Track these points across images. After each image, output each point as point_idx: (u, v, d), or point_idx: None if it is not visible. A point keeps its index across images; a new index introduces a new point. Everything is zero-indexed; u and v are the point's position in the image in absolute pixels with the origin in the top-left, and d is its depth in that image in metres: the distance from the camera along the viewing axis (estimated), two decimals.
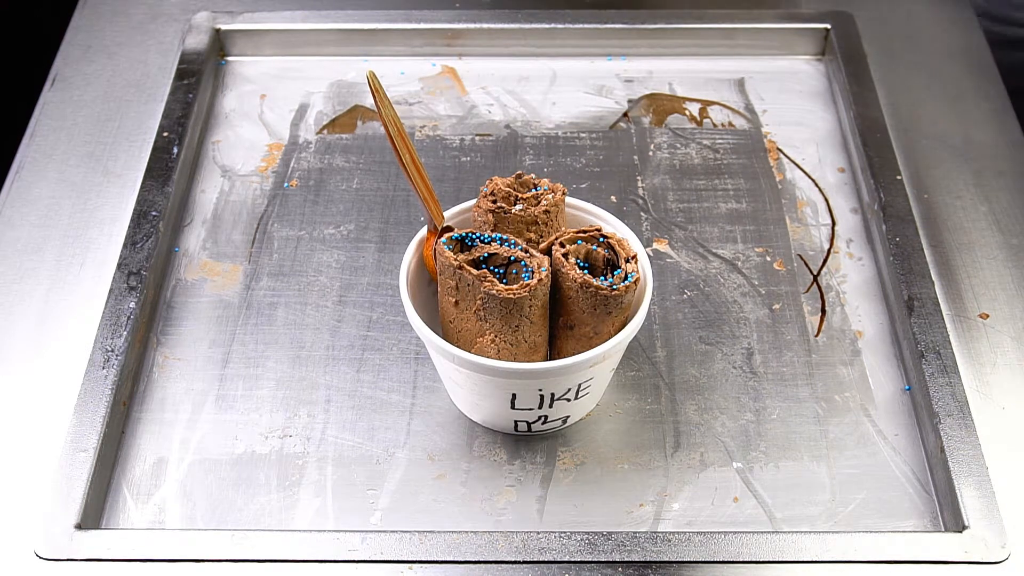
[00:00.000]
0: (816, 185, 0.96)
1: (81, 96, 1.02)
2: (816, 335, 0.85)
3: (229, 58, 1.07)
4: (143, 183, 0.92)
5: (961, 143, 0.98)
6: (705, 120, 1.02)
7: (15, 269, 0.88)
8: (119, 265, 0.86)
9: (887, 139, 0.95)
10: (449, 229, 0.74)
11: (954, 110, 1.01)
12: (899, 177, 0.92)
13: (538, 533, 0.72)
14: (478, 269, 0.71)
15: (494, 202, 0.75)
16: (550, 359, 0.75)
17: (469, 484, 0.77)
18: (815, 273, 0.89)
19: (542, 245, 0.73)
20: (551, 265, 0.72)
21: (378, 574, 0.71)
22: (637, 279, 0.71)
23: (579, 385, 0.73)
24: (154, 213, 0.90)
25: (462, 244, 0.72)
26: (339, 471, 0.77)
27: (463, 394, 0.77)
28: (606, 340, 0.71)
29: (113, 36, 1.08)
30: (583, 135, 1.00)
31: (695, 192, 0.95)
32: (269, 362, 0.83)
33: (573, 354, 0.71)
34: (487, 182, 0.76)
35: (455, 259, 0.70)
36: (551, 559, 0.71)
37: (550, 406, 0.74)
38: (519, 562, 0.71)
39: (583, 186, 0.96)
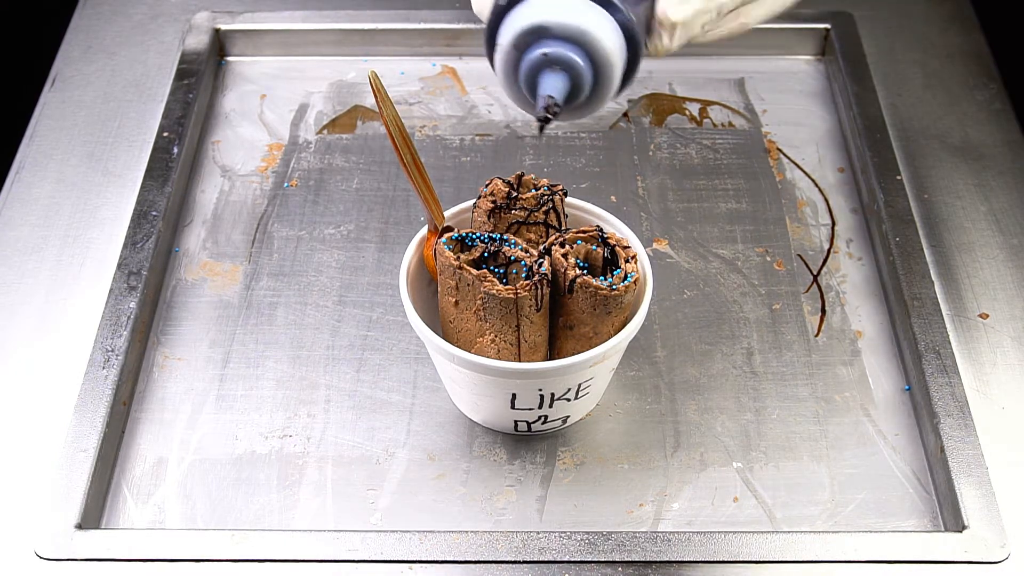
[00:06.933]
0: (816, 185, 0.96)
1: (81, 96, 1.02)
2: (816, 335, 0.85)
3: (229, 58, 1.07)
4: (143, 183, 0.92)
5: (961, 143, 0.98)
6: (705, 120, 1.02)
7: (15, 269, 0.88)
8: (119, 265, 0.86)
9: (887, 139, 0.95)
10: (449, 229, 0.74)
11: (954, 110, 1.01)
12: (899, 177, 0.92)
13: (538, 533, 0.72)
14: (478, 269, 0.71)
15: (494, 202, 0.75)
16: (550, 359, 0.75)
17: (469, 484, 0.77)
18: (815, 273, 0.89)
19: (542, 245, 0.73)
20: (551, 265, 0.72)
21: (378, 574, 0.71)
22: (637, 279, 0.71)
23: (579, 385, 0.73)
24: (154, 213, 0.90)
25: (462, 244, 0.72)
26: (339, 471, 0.77)
27: (463, 394, 0.77)
28: (606, 340, 0.71)
29: (113, 36, 1.08)
30: (583, 135, 1.00)
31: (695, 192, 0.95)
32: (269, 362, 0.83)
33: (573, 354, 0.71)
34: (487, 182, 0.76)
35: (455, 259, 0.70)
36: (551, 559, 0.71)
37: (550, 406, 0.74)
38: (519, 562, 0.71)
39: (583, 186, 0.96)
